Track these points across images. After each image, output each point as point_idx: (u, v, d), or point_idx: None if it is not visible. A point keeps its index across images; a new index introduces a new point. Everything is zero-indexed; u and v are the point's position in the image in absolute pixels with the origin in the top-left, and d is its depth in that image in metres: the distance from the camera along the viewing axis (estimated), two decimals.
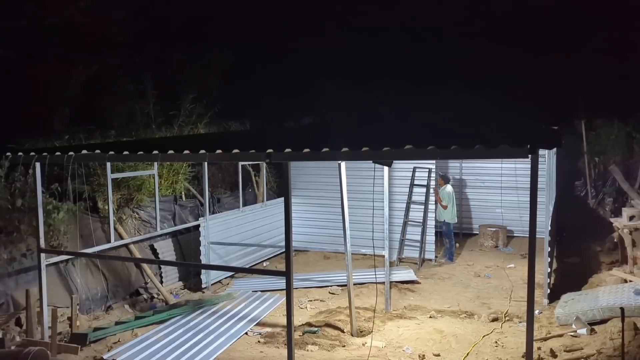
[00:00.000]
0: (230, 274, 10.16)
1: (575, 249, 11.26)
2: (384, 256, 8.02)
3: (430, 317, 7.79)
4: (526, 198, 4.85)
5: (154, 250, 9.34)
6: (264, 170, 12.05)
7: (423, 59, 15.74)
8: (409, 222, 11.08)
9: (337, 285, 9.31)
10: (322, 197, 11.73)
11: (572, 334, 6.78)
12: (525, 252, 11.20)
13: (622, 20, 13.55)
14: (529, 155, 4.33)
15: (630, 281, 8.15)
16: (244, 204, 11.14)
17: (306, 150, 5.00)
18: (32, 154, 6.32)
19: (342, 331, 7.19)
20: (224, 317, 7.79)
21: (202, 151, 5.38)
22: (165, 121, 11.06)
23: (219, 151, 5.29)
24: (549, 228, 8.42)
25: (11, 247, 7.25)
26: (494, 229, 12.25)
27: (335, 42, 15.88)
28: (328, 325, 7.36)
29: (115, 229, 8.48)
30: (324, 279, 9.68)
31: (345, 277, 7.77)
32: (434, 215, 10.99)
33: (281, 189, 12.75)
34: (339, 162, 7.00)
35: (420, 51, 15.75)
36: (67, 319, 7.13)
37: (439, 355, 6.46)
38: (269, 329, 7.41)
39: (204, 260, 9.47)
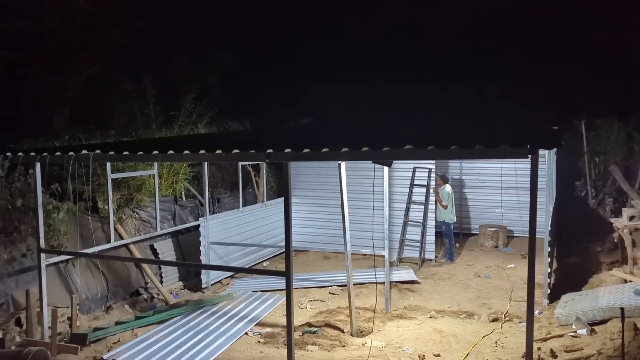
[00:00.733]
0: (230, 274, 10.16)
1: (576, 249, 11.26)
2: (384, 256, 8.02)
3: (430, 317, 7.78)
4: (526, 198, 4.84)
5: (154, 251, 9.34)
6: (264, 171, 12.05)
7: (423, 59, 15.76)
8: (409, 222, 11.07)
9: (337, 286, 9.30)
10: (322, 197, 11.73)
11: (572, 334, 6.78)
12: (525, 252, 11.19)
13: (622, 20, 13.55)
14: (529, 156, 4.32)
15: (630, 281, 8.14)
16: (244, 204, 11.14)
17: (306, 150, 4.99)
18: (32, 154, 6.31)
19: (342, 331, 7.19)
20: (224, 317, 7.78)
21: (202, 151, 5.38)
22: (166, 121, 11.06)
23: (219, 151, 5.29)
24: (549, 228, 8.42)
25: (11, 247, 7.25)
26: (494, 229, 12.24)
27: (336, 43, 15.89)
28: (328, 325, 7.36)
29: (115, 229, 8.48)
30: (324, 279, 9.68)
31: (345, 277, 7.77)
32: (434, 215, 10.99)
33: (281, 189, 12.75)
34: (339, 162, 6.99)
35: (421, 52, 15.77)
36: (67, 319, 7.13)
37: (439, 355, 6.46)
38: (269, 329, 7.41)
39: (204, 260, 9.47)
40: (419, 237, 10.87)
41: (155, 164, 9.08)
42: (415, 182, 11.07)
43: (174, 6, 13.47)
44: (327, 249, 10.91)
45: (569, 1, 14.67)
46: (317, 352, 6.63)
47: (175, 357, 6.38)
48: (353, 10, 16.02)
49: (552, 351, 6.24)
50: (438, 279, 9.88)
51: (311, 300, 8.68)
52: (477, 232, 12.74)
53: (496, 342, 6.77)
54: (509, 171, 12.53)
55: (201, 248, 9.51)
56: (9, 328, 6.70)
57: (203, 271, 9.45)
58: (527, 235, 4.50)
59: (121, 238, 8.66)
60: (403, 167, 11.01)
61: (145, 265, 8.87)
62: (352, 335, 7.10)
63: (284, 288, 5.44)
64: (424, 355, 6.41)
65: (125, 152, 5.72)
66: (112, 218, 8.28)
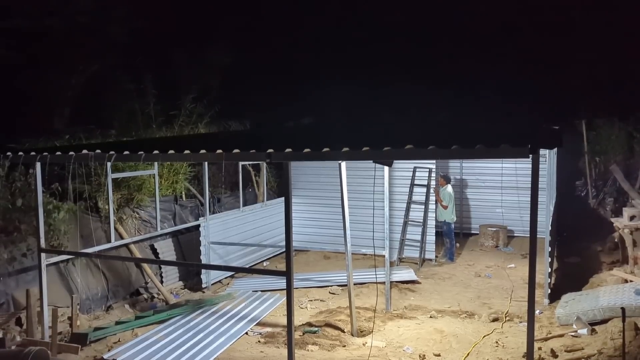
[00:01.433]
0: (230, 273, 10.16)
1: (576, 249, 11.25)
2: (384, 256, 8.02)
3: (430, 317, 7.78)
4: (526, 198, 4.85)
5: (154, 250, 9.34)
6: (264, 170, 12.04)
7: (424, 60, 15.76)
8: (410, 222, 11.07)
9: (338, 285, 9.30)
10: (323, 197, 11.72)
11: (572, 334, 6.77)
12: (525, 252, 11.19)
13: (622, 20, 13.55)
14: (530, 155, 4.32)
15: (631, 281, 8.14)
16: (244, 204, 11.14)
17: (306, 150, 4.98)
18: (33, 153, 6.31)
19: (343, 331, 7.18)
20: (224, 317, 7.78)
21: (203, 151, 5.37)
22: (166, 121, 11.06)
23: (219, 151, 5.28)
24: (550, 228, 8.41)
25: (11, 246, 7.25)
26: (495, 229, 12.24)
27: (337, 43, 15.89)
28: (328, 325, 7.35)
29: (115, 228, 8.48)
30: (324, 279, 9.67)
31: (346, 277, 7.76)
32: (434, 215, 10.99)
33: (281, 188, 12.75)
34: (340, 162, 6.99)
35: (421, 52, 15.76)
36: (67, 318, 7.13)
37: (439, 355, 6.45)
38: (269, 329, 7.41)
39: (204, 260, 9.47)
40: (419, 237, 10.86)
41: (156, 163, 9.08)
42: (416, 181, 11.06)
43: (173, 6, 13.49)
44: (328, 249, 10.90)
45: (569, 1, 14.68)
46: (318, 351, 6.63)
47: (176, 357, 6.38)
48: (353, 10, 16.03)
49: (552, 351, 6.23)
50: (438, 278, 9.87)
51: (311, 300, 8.68)
52: (478, 232, 12.74)
53: (497, 342, 6.77)
54: (510, 171, 12.53)
55: (201, 248, 9.51)
56: (9, 328, 6.70)
57: (203, 271, 9.45)
58: (527, 235, 4.50)
59: (121, 238, 8.66)
60: (403, 167, 11.00)
61: (145, 265, 8.87)
62: (352, 335, 7.10)
63: (284, 288, 5.43)
64: (424, 355, 6.40)
65: (126, 152, 5.71)
66: (112, 218, 8.28)
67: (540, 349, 6.39)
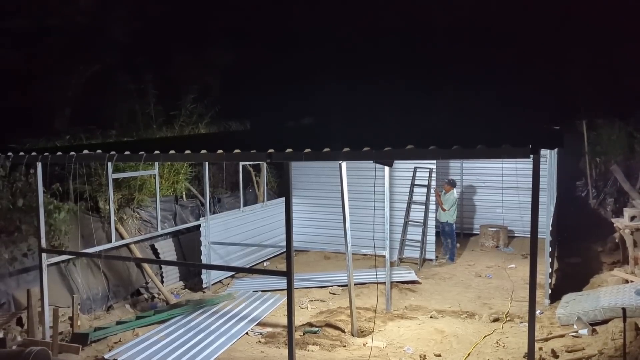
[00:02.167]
0: (230, 274, 10.16)
1: (577, 250, 11.24)
2: (384, 256, 8.02)
3: (431, 317, 7.78)
4: (527, 198, 4.85)
5: (154, 250, 9.34)
6: (265, 170, 12.04)
7: (424, 60, 15.75)
8: (410, 222, 11.07)
9: (338, 286, 9.30)
10: (323, 197, 11.73)
11: (573, 334, 6.77)
12: (526, 253, 11.19)
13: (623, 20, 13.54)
14: (531, 155, 4.32)
15: (632, 281, 8.13)
16: (245, 204, 11.14)
17: (307, 150, 4.98)
18: (34, 153, 6.31)
19: (343, 331, 7.18)
20: (225, 317, 7.78)
21: (203, 151, 5.38)
22: (166, 121, 11.06)
23: (220, 151, 5.29)
24: (550, 228, 8.41)
25: (12, 247, 7.25)
26: (495, 229, 12.24)
27: (337, 44, 15.88)
28: (329, 325, 7.35)
29: (116, 228, 8.48)
30: (324, 279, 9.67)
31: (346, 277, 7.76)
32: (434, 216, 10.99)
33: (282, 189, 12.75)
34: (340, 162, 6.99)
35: (422, 52, 15.76)
36: (68, 318, 7.13)
37: (440, 355, 6.45)
38: (269, 329, 7.41)
39: (204, 260, 9.47)
40: (419, 237, 10.86)
41: (156, 164, 9.08)
42: (416, 182, 11.06)
43: (173, 6, 13.48)
44: (328, 249, 10.90)
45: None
46: (318, 352, 6.63)
47: (176, 357, 6.38)
48: (353, 10, 16.02)
49: (553, 351, 6.23)
50: (439, 279, 9.87)
51: (312, 300, 8.68)
52: (478, 232, 12.74)
53: (497, 342, 6.77)
54: (510, 171, 12.53)
55: (202, 248, 9.51)
56: (10, 328, 6.70)
57: (204, 271, 9.45)
58: (528, 236, 4.50)
59: (122, 238, 8.66)
60: (404, 167, 11.00)
61: (146, 265, 8.87)
62: (352, 335, 7.10)
63: (285, 288, 5.44)
64: (424, 355, 6.40)
65: (127, 152, 5.71)
66: (113, 218, 8.29)
67: (541, 349, 6.39)
